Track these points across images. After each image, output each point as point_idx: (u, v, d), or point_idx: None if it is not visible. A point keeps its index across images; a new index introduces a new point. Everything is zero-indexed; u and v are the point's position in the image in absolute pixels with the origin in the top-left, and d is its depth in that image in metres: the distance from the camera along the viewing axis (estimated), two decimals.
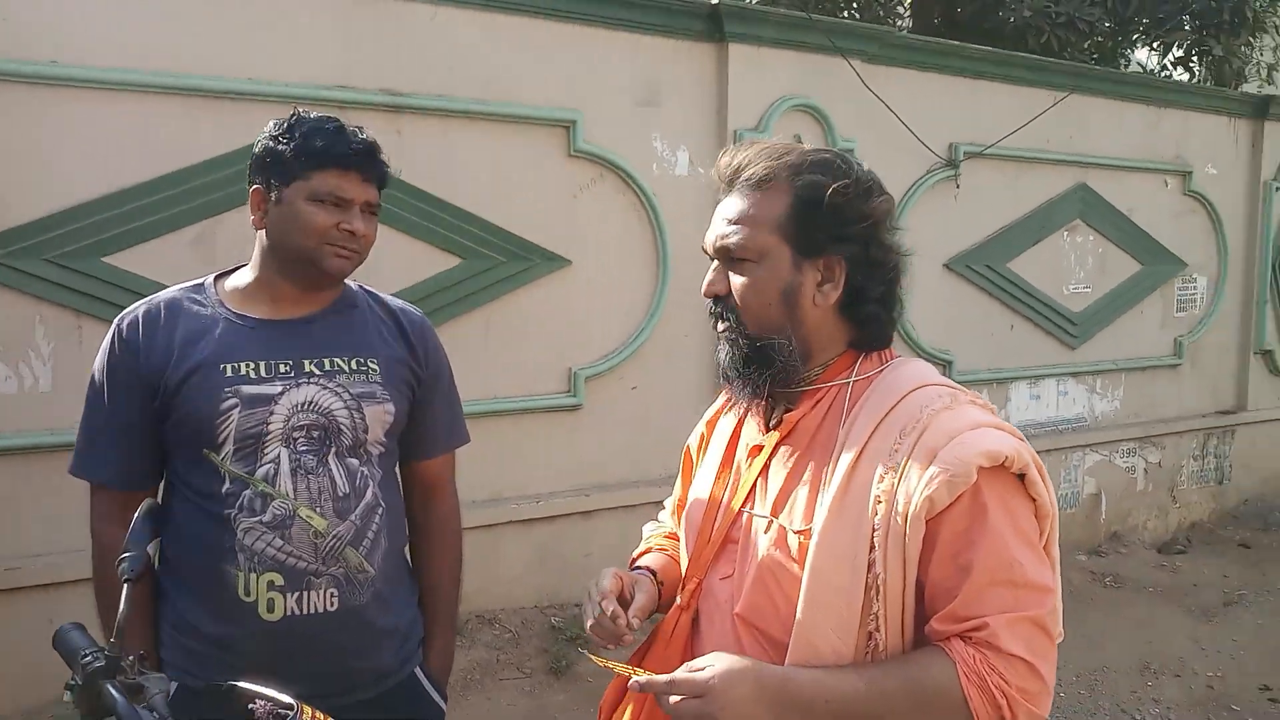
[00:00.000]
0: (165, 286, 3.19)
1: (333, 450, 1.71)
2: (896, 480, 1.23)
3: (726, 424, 1.54)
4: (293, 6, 3.53)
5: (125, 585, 1.40)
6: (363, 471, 1.75)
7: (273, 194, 1.70)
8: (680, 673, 1.19)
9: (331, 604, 1.68)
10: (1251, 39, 6.93)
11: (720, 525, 1.42)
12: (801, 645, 1.26)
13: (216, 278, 1.81)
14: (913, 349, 5.13)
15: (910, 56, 4.94)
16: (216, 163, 3.42)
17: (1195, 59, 6.92)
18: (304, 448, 1.69)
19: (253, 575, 1.65)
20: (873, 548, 1.24)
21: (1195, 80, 7.19)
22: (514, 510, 4.05)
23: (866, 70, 4.72)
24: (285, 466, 1.67)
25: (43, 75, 3.14)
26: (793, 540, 1.30)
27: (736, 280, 1.35)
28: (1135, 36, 7.00)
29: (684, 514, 1.55)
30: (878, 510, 1.24)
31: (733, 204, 1.36)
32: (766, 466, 1.39)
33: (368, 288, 1.91)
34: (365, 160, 1.70)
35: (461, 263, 3.90)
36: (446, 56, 3.81)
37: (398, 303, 1.92)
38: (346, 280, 1.83)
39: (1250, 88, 7.82)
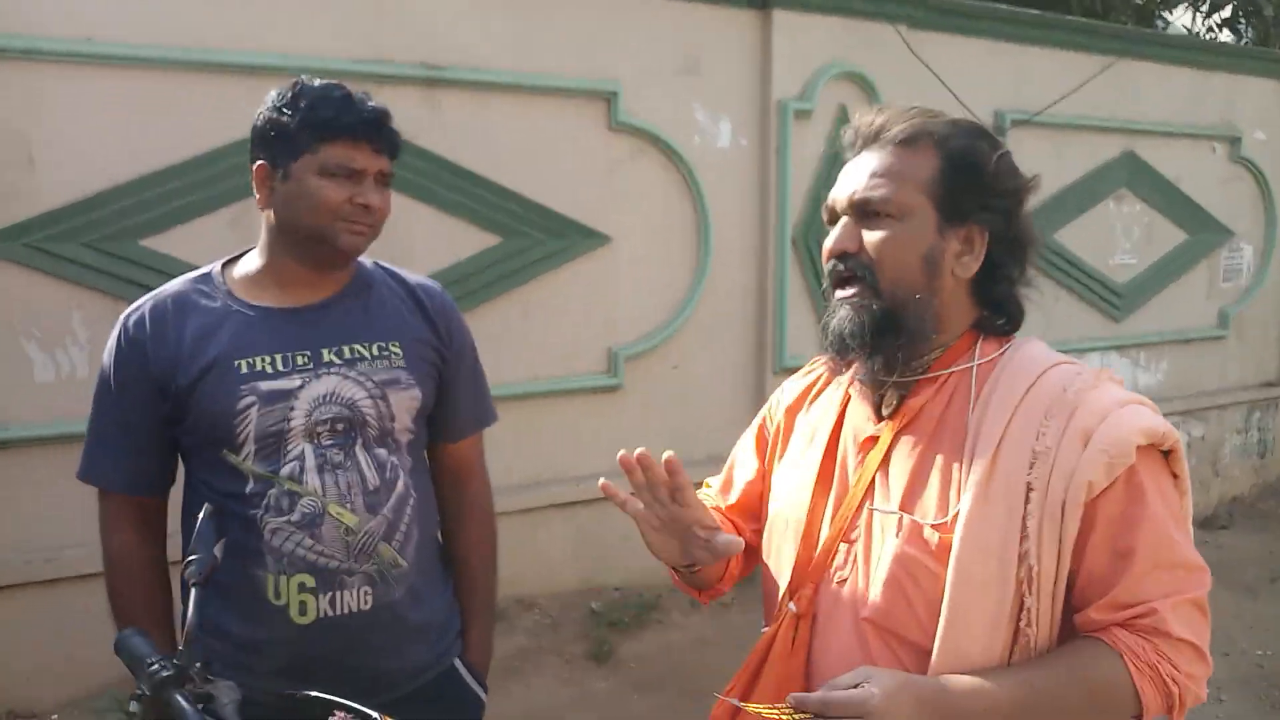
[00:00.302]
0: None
1: (359, 442, 1.62)
2: (1050, 465, 1.16)
3: (818, 414, 1.42)
4: None
5: (194, 589, 1.34)
6: (392, 461, 1.66)
7: (279, 170, 1.58)
8: (831, 694, 1.09)
9: (365, 603, 1.61)
10: None
11: (834, 526, 1.31)
12: (948, 649, 1.17)
13: (224, 265, 1.70)
14: None
15: (955, 22, 4.78)
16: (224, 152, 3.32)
17: (1243, 20, 6.70)
18: (329, 442, 1.59)
19: (282, 578, 1.57)
20: (1025, 538, 1.16)
21: (1243, 42, 6.98)
22: (554, 494, 3.97)
23: (912, 36, 4.57)
24: (311, 462, 1.58)
25: (75, 53, 3.05)
26: (928, 534, 1.20)
27: (872, 236, 1.25)
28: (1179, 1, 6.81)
29: (772, 515, 1.42)
30: (1029, 498, 1.16)
31: (874, 159, 1.27)
32: (886, 458, 1.28)
33: (384, 264, 1.79)
34: (376, 129, 1.59)
35: (501, 241, 3.80)
36: (483, 28, 3.69)
37: (416, 278, 1.80)
38: (361, 257, 1.71)
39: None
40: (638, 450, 1.26)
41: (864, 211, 1.26)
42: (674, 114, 4.11)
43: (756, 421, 1.56)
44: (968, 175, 1.24)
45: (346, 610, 1.59)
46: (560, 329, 3.98)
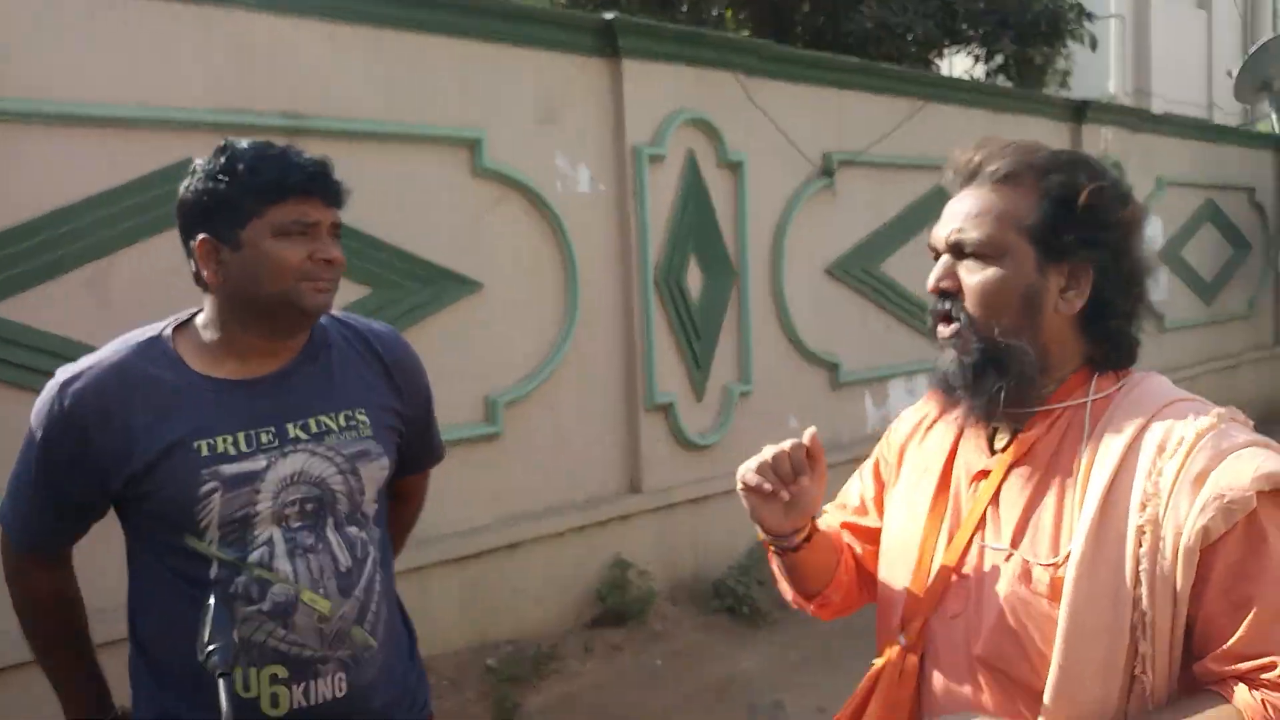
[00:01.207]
0: (58, 337, 2.94)
1: (330, 522, 1.54)
2: (1163, 507, 1.13)
3: (932, 446, 1.41)
4: (186, 28, 3.25)
5: (221, 680, 1.25)
6: (361, 539, 1.58)
7: (226, 242, 1.48)
8: None
9: (340, 689, 1.52)
10: (1063, 48, 7.52)
11: (945, 559, 1.30)
12: (1061, 694, 1.15)
13: (174, 329, 1.56)
14: (801, 353, 5.26)
15: (786, 69, 5.07)
16: (108, 197, 3.11)
17: (1015, 67, 7.43)
18: (298, 524, 1.50)
19: (252, 670, 1.46)
20: (1138, 583, 1.13)
21: (1012, 86, 7.73)
22: (441, 549, 3.85)
23: (749, 84, 4.82)
24: (281, 547, 1.49)
25: None
26: (1039, 574, 1.19)
27: (970, 278, 1.24)
28: (960, 47, 7.48)
29: (885, 544, 1.43)
30: (1142, 542, 1.13)
31: (972, 198, 1.26)
32: (997, 493, 1.27)
33: (335, 313, 1.70)
34: (324, 181, 1.52)
35: (371, 292, 3.69)
36: (346, 76, 3.61)
37: (371, 327, 1.72)
38: None
39: (1046, 91, 8.50)
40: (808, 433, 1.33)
41: (960, 251, 1.26)
42: (536, 160, 4.15)
43: (872, 459, 1.55)
44: (1067, 211, 1.22)
45: (321, 699, 1.50)
46: (437, 378, 3.81)
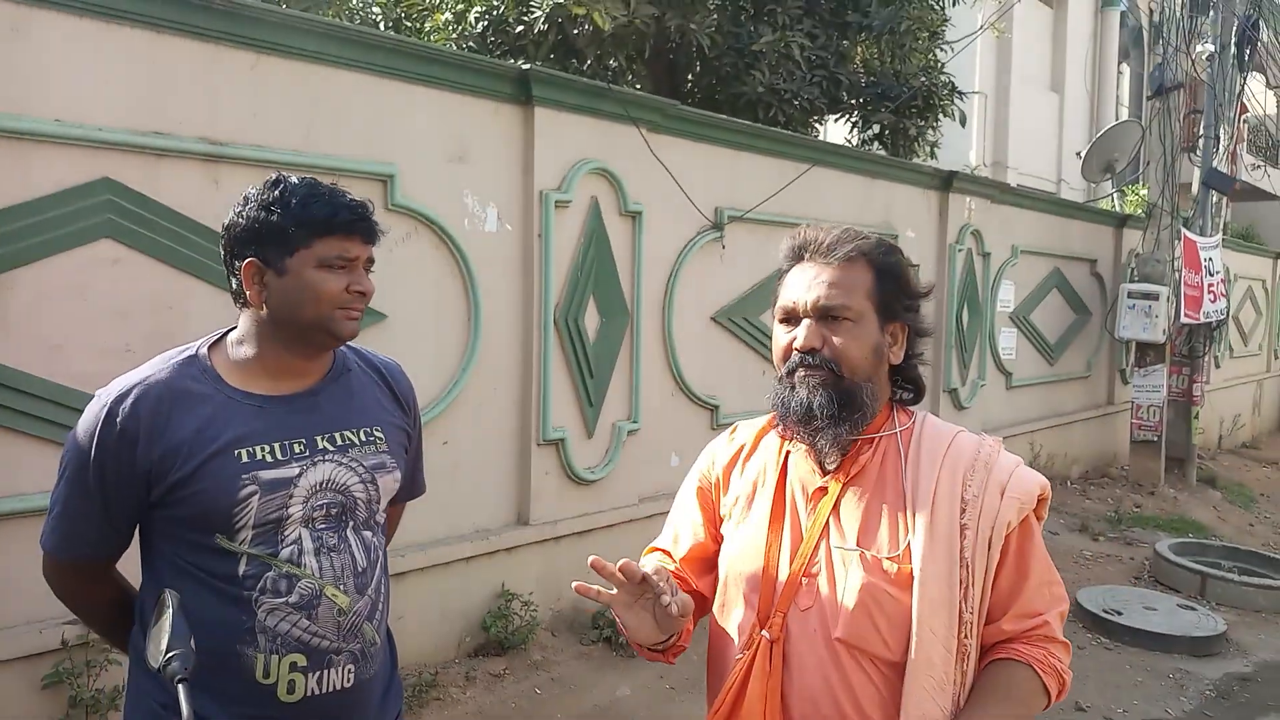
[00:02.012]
0: None
1: (350, 525, 1.71)
2: (978, 511, 1.51)
3: (754, 472, 1.69)
4: (107, 47, 3.27)
5: (180, 686, 1.37)
6: (375, 543, 1.77)
7: (272, 266, 1.65)
8: None
9: (348, 680, 1.69)
10: (936, 121, 8.08)
11: (796, 563, 1.56)
12: (921, 660, 1.46)
13: (209, 348, 1.72)
14: (686, 394, 5.51)
15: (685, 128, 5.34)
16: (16, 211, 3.10)
17: (890, 136, 7.94)
18: (323, 526, 1.67)
19: (274, 657, 1.62)
20: (964, 566, 1.49)
21: (885, 153, 8.26)
22: None
23: (652, 138, 5.06)
24: (309, 545, 1.65)
25: None
26: (889, 567, 1.50)
27: (837, 337, 1.54)
28: (841, 116, 7.94)
29: (729, 562, 1.66)
30: (964, 535, 1.50)
31: (827, 272, 1.56)
32: (836, 505, 1.57)
33: (349, 344, 1.86)
34: (366, 221, 1.70)
35: None
36: (266, 106, 3.68)
37: (378, 358, 1.92)
38: None
39: (917, 160, 9.09)
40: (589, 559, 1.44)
41: (826, 315, 1.55)
42: (446, 199, 4.28)
43: (694, 483, 1.79)
44: (894, 284, 1.59)
45: (331, 688, 1.66)
46: None
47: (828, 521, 1.57)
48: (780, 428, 1.66)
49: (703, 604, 1.71)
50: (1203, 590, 6.34)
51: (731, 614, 1.64)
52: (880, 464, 1.59)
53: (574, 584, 1.46)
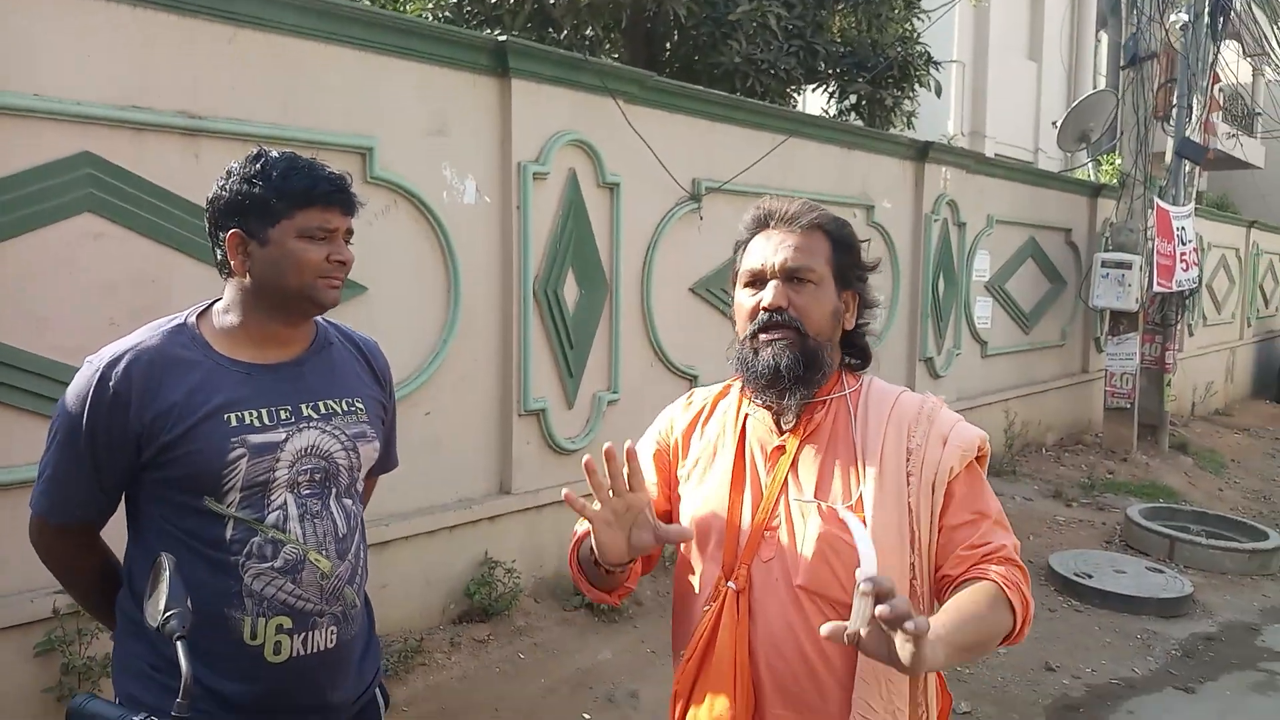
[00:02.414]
0: None
1: (333, 492, 1.78)
2: (921, 459, 1.63)
3: (713, 434, 1.77)
4: (87, 20, 3.27)
5: (179, 643, 1.42)
6: (354, 510, 1.83)
7: (255, 237, 1.70)
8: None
9: (330, 641, 1.75)
10: (912, 91, 8.13)
11: (758, 517, 1.66)
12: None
13: (196, 317, 1.77)
14: (665, 365, 5.58)
15: (663, 99, 5.37)
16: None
17: (866, 106, 7.99)
18: (307, 492, 1.74)
19: (260, 620, 1.68)
20: (909, 512, 1.60)
21: (864, 125, 8.31)
22: None
23: (629, 110, 5.09)
24: (293, 511, 1.71)
25: None
26: (845, 515, 1.57)
27: (801, 297, 1.64)
28: (818, 86, 7.98)
29: (695, 519, 1.73)
30: (909, 483, 1.61)
31: (791, 238, 1.67)
32: (795, 462, 1.67)
33: (328, 320, 1.94)
34: (344, 193, 1.76)
35: None
36: (245, 80, 3.69)
37: (357, 335, 1.99)
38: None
39: (894, 131, 9.15)
40: (605, 446, 1.53)
41: (792, 276, 1.65)
42: (425, 171, 4.31)
43: (651, 446, 1.85)
44: (848, 254, 1.71)
45: (315, 649, 1.72)
46: None
47: (786, 477, 1.66)
48: (744, 388, 1.74)
49: (647, 562, 1.78)
50: (1171, 554, 6.49)
51: (696, 569, 1.73)
52: (833, 423, 1.69)
53: (564, 492, 1.51)
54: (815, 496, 1.63)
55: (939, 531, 1.62)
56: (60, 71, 3.23)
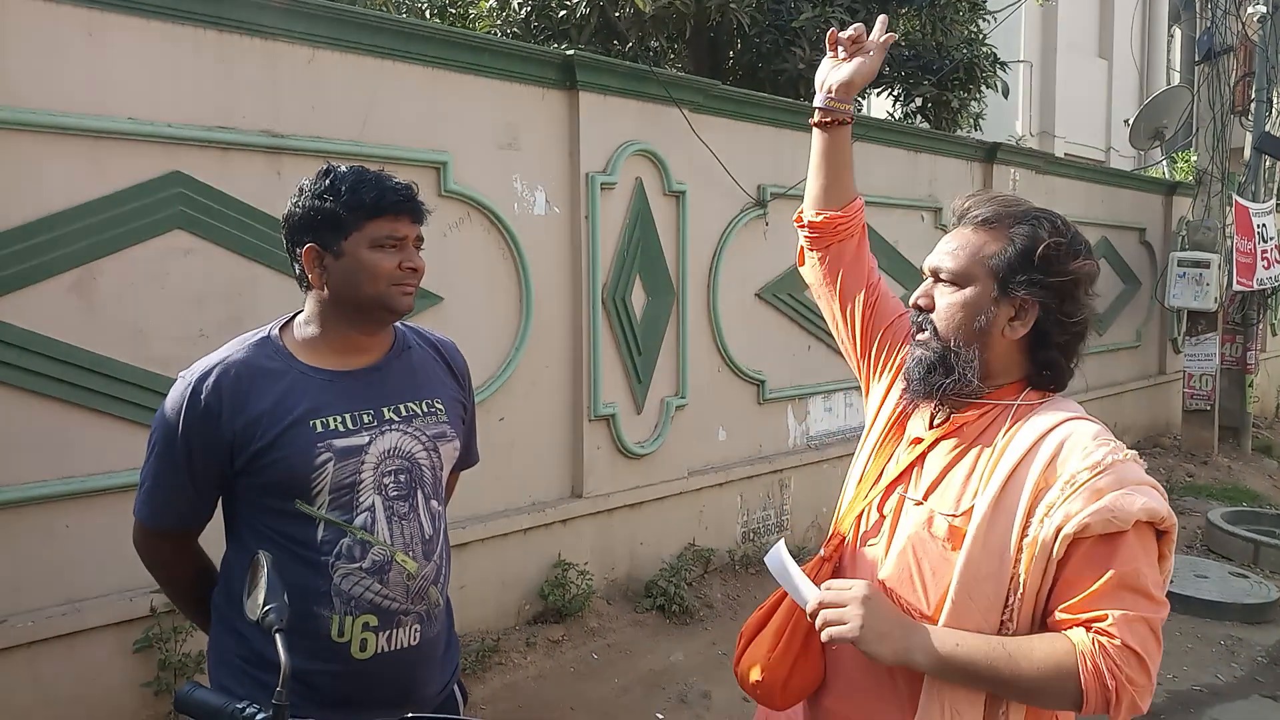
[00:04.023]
0: (43, 337, 3.10)
1: (419, 494, 1.84)
2: (1059, 501, 1.43)
3: (891, 405, 1.75)
4: (174, 47, 3.44)
5: (279, 635, 1.50)
6: (440, 511, 1.90)
7: (330, 250, 1.77)
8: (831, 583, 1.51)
9: (414, 639, 1.82)
10: (979, 93, 8.06)
11: (872, 496, 1.65)
12: (952, 623, 1.48)
13: (280, 329, 1.86)
14: (732, 370, 5.61)
15: (728, 107, 5.43)
16: (96, 205, 3.28)
17: (932, 109, 7.93)
18: (394, 494, 1.80)
19: (348, 618, 1.75)
20: (1020, 550, 1.45)
21: (930, 127, 8.25)
22: None
23: (694, 119, 5.15)
24: (380, 514, 1.78)
25: None
26: (939, 523, 1.53)
27: (940, 299, 1.59)
28: (884, 89, 7.95)
29: (848, 476, 1.76)
30: (1030, 522, 1.45)
31: (957, 235, 1.61)
32: (923, 456, 1.61)
33: (407, 324, 2.01)
34: (411, 202, 1.82)
35: None
36: (324, 98, 3.83)
37: (435, 335, 2.06)
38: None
39: (961, 133, 9.06)
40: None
41: (937, 276, 1.61)
42: (496, 183, 4.42)
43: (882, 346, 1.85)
44: (1026, 257, 1.53)
45: (400, 646, 1.79)
46: None
47: (909, 469, 1.63)
48: None
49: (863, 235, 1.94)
50: (1256, 558, 6.33)
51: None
52: (982, 428, 1.58)
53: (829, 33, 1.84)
54: (926, 496, 1.58)
55: (1052, 583, 1.46)
56: (151, 96, 3.39)
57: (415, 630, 1.81)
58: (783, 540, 1.63)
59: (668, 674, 4.38)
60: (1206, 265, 8.79)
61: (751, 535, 5.78)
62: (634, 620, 4.81)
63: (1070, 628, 1.43)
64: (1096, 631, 1.39)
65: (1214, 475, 8.60)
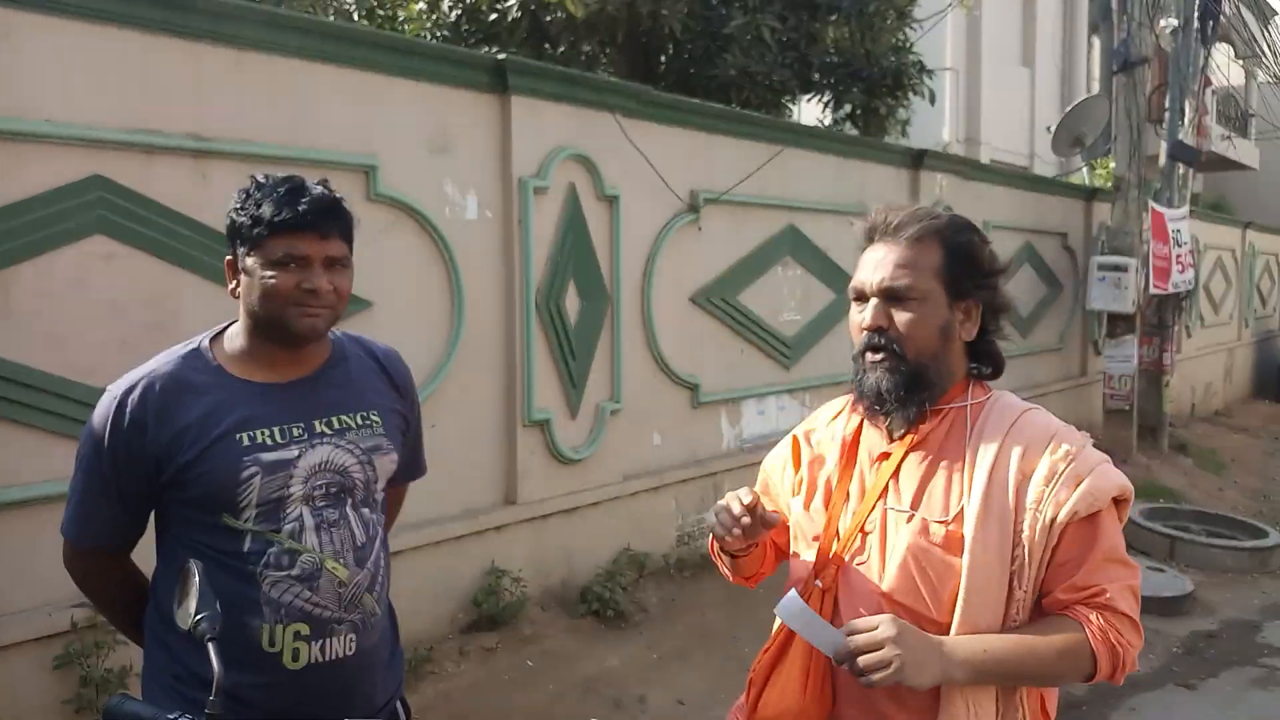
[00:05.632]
0: None
1: (349, 503, 1.81)
2: (1044, 493, 1.54)
3: (833, 434, 1.78)
4: (95, 46, 3.35)
5: (211, 644, 1.48)
6: (373, 519, 1.86)
7: (240, 264, 1.74)
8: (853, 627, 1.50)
9: (350, 649, 1.78)
10: (907, 100, 8.22)
11: (853, 519, 1.66)
12: (966, 621, 1.53)
13: (210, 340, 1.81)
14: (666, 374, 5.64)
15: (660, 112, 5.46)
16: (11, 209, 3.18)
17: (861, 116, 8.07)
18: (323, 504, 1.77)
19: (279, 627, 1.71)
20: (1017, 543, 1.54)
21: (859, 134, 8.39)
22: None
23: (627, 124, 5.18)
24: (309, 522, 1.75)
25: None
26: (935, 529, 1.56)
27: (901, 316, 1.60)
28: (813, 96, 8.07)
29: (799, 515, 1.77)
30: (1023, 517, 1.54)
31: (894, 252, 1.62)
32: (897, 470, 1.64)
33: (349, 333, 1.97)
34: (319, 218, 1.71)
35: None
36: (251, 101, 3.77)
37: (377, 345, 2.01)
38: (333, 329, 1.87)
39: (889, 140, 9.24)
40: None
41: (891, 296, 1.61)
42: (427, 188, 4.38)
43: (787, 449, 1.88)
44: (966, 262, 1.63)
45: (334, 656, 1.75)
46: None
47: (887, 484, 1.64)
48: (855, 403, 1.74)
49: (780, 554, 1.91)
50: (1172, 553, 6.56)
51: (796, 564, 1.77)
52: (945, 433, 1.64)
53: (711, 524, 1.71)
54: (912, 506, 1.60)
55: (1046, 568, 1.56)
56: (70, 97, 3.30)
57: (350, 640, 1.77)
58: (794, 590, 1.62)
59: (603, 679, 4.38)
60: (1125, 269, 9.07)
61: (686, 539, 5.81)
62: (569, 626, 4.81)
63: (1070, 605, 1.54)
64: (1098, 606, 1.51)
65: (1132, 473, 8.84)
